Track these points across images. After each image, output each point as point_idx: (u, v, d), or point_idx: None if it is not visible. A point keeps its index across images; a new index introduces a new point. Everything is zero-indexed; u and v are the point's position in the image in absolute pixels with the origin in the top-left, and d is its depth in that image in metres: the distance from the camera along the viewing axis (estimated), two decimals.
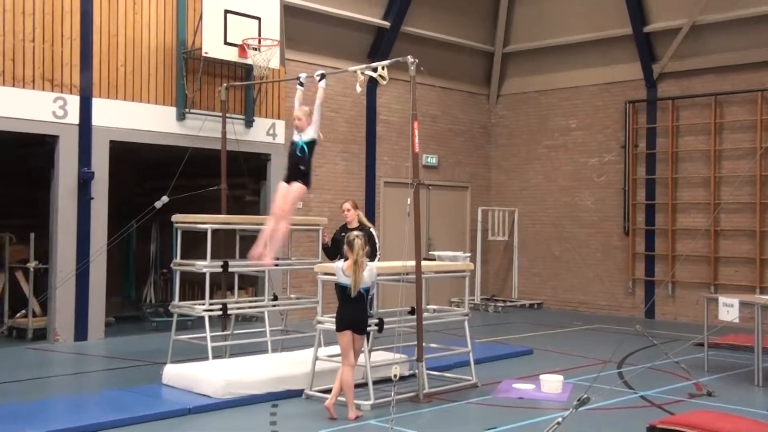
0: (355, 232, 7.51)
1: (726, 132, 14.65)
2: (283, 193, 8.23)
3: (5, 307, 11.88)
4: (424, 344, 8.13)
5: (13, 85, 10.71)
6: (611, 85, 16.02)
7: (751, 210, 14.19)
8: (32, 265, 11.67)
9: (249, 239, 11.59)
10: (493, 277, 17.54)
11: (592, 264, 16.16)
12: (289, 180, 8.38)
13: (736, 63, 14.40)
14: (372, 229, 9.46)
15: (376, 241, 9.36)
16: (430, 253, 11.26)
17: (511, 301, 16.71)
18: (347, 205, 9.59)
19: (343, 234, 9.75)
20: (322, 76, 8.80)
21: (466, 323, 8.87)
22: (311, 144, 8.52)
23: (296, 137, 8.54)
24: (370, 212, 15.14)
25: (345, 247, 7.41)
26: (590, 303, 16.11)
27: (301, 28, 13.90)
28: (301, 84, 9.14)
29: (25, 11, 10.81)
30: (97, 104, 11.46)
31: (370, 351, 8.00)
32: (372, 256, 9.17)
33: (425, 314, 8.47)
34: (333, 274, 7.59)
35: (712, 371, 9.54)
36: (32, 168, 12.85)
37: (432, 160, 16.35)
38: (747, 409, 7.61)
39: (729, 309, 9.01)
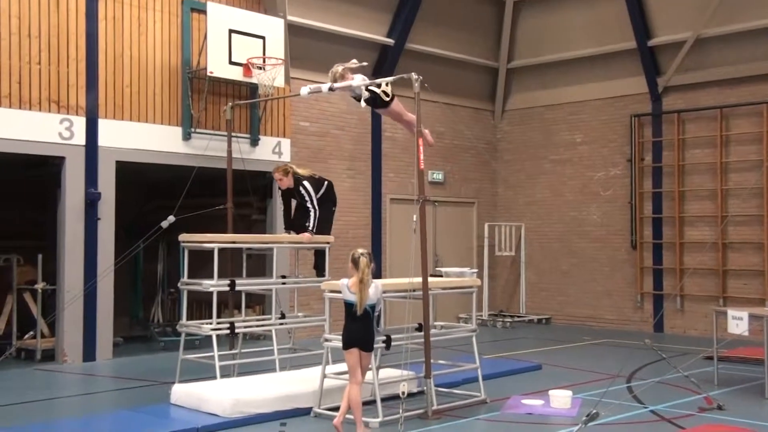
0: (360, 250, 7.46)
1: (732, 144, 14.62)
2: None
3: (13, 329, 11.88)
4: (432, 361, 8.11)
5: (20, 108, 10.77)
6: (616, 99, 16.03)
7: (759, 222, 14.14)
8: (40, 286, 11.70)
9: (255, 258, 11.67)
10: (500, 292, 17.50)
11: (599, 278, 16.11)
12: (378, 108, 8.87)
13: (740, 75, 14.40)
14: (307, 181, 9.81)
15: (310, 191, 9.75)
16: (437, 269, 11.25)
17: (519, 317, 16.67)
18: (278, 175, 9.95)
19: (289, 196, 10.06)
20: (331, 89, 8.77)
21: (474, 339, 8.84)
22: (372, 90, 8.56)
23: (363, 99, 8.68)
24: (377, 229, 15.15)
25: (350, 264, 7.40)
26: (598, 317, 16.04)
27: (305, 47, 13.97)
28: (314, 92, 9.28)
29: (31, 34, 10.89)
30: (103, 125, 11.52)
31: (377, 368, 7.99)
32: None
33: (433, 331, 8.45)
34: (339, 292, 7.58)
35: (722, 385, 9.48)
36: (39, 189, 12.90)
37: (438, 176, 16.37)
38: (757, 422, 7.56)
39: (738, 322, 8.96)
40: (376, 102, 8.72)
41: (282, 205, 10.40)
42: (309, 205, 9.74)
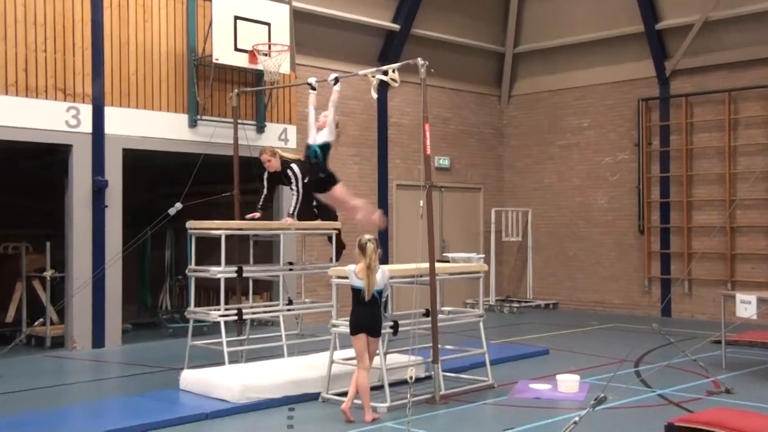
0: (367, 236, 7.48)
1: (740, 128, 14.56)
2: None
3: (23, 316, 11.94)
4: (439, 346, 8.12)
5: (26, 96, 10.79)
6: (623, 83, 15.96)
7: (767, 206, 14.09)
8: (49, 273, 11.75)
9: (262, 244, 11.67)
10: (507, 277, 17.49)
11: (607, 263, 16.09)
12: (315, 191, 8.87)
13: (749, 58, 14.32)
14: (295, 164, 9.68)
15: (297, 174, 9.60)
16: (444, 254, 11.25)
17: (526, 302, 16.67)
18: (265, 156, 9.79)
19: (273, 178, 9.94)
20: (336, 80, 8.90)
21: (481, 324, 8.86)
22: (325, 147, 8.72)
23: (310, 139, 8.77)
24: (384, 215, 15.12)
25: (357, 250, 7.41)
26: (606, 302, 16.04)
27: (311, 33, 13.93)
28: (313, 88, 9.28)
29: (37, 21, 10.88)
30: (110, 113, 11.52)
31: (385, 353, 8.01)
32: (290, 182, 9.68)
33: (440, 316, 8.45)
34: (347, 278, 7.59)
35: (730, 368, 9.48)
36: (47, 178, 12.93)
37: (444, 161, 16.34)
38: (765, 406, 7.56)
39: (746, 306, 8.94)
40: (315, 181, 8.89)
41: (266, 189, 10.16)
42: (294, 188, 9.60)
